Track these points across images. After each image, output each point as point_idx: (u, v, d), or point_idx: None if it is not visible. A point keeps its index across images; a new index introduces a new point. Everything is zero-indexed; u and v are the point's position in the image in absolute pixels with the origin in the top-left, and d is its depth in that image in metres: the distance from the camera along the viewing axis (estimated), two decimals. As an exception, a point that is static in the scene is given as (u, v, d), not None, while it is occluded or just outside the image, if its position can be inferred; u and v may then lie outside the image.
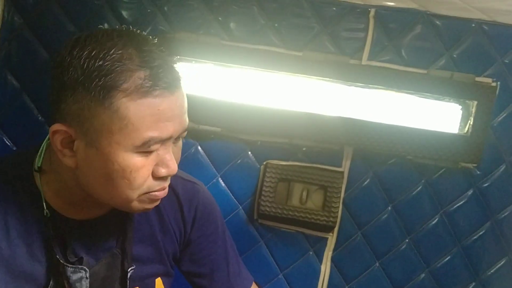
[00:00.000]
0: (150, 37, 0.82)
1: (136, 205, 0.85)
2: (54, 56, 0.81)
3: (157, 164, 0.82)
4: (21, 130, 1.35)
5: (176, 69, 0.82)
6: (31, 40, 1.31)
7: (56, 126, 0.81)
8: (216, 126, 1.35)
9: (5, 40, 1.31)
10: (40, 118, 1.35)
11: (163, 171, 0.83)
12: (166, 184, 0.86)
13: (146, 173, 0.82)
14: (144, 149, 0.79)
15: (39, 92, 1.34)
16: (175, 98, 0.80)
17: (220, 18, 1.33)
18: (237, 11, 1.32)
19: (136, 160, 0.80)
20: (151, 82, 0.76)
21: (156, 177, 0.83)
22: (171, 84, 0.79)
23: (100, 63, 0.75)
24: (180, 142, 0.88)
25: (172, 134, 0.81)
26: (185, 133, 0.86)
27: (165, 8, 1.31)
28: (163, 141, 0.81)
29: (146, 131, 0.78)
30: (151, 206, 0.88)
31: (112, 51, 0.76)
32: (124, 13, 1.31)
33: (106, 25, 1.30)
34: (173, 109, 0.80)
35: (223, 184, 1.41)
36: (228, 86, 1.35)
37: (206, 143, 1.39)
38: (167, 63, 0.80)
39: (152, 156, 0.81)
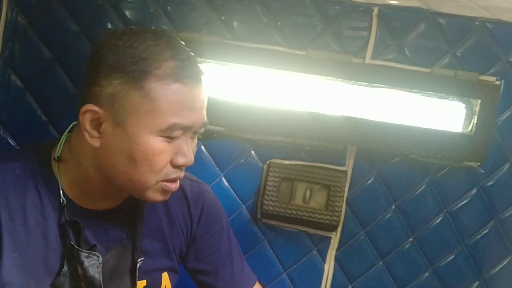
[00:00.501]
0: (175, 35, 0.92)
1: (149, 193, 0.90)
2: (93, 47, 0.89)
3: (176, 153, 0.88)
4: (25, 130, 1.35)
5: (200, 67, 0.90)
6: (35, 40, 1.31)
7: (88, 106, 0.86)
8: (219, 126, 1.35)
9: (9, 40, 1.31)
10: (43, 118, 1.35)
11: (181, 160, 0.88)
12: (182, 174, 0.92)
13: (166, 158, 0.87)
14: (168, 133, 0.85)
15: (43, 92, 1.34)
16: (199, 90, 0.88)
17: (223, 17, 1.32)
18: (240, 10, 1.32)
19: (159, 144, 0.85)
20: (180, 71, 0.84)
21: (174, 165, 0.89)
22: (197, 76, 0.87)
23: (137, 51, 0.83)
24: (196, 139, 0.93)
25: (193, 124, 0.87)
26: (203, 129, 0.92)
27: (168, 8, 1.31)
28: (184, 129, 0.87)
29: (172, 116, 0.84)
30: (162, 197, 0.92)
31: (147, 43, 0.84)
32: (127, 13, 1.31)
33: (109, 25, 1.31)
34: (196, 101, 0.87)
35: (226, 184, 1.41)
36: (231, 85, 1.35)
37: (209, 142, 1.39)
38: (193, 58, 0.89)
39: (173, 144, 0.87)
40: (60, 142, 0.96)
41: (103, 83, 0.85)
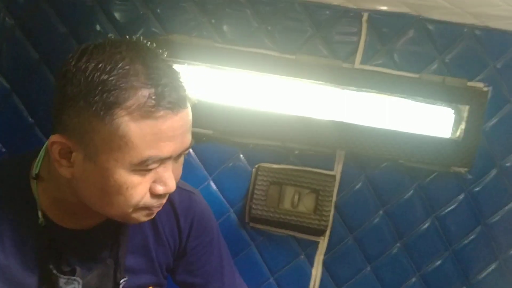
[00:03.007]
0: (160, 51, 0.80)
1: (132, 217, 0.84)
2: (60, 66, 0.79)
3: (154, 181, 0.81)
4: (11, 132, 1.34)
5: (183, 87, 0.80)
6: (22, 41, 1.30)
7: (56, 137, 0.79)
8: (208, 129, 1.35)
9: (-4, 41, 1.30)
10: (30, 119, 1.34)
11: (160, 189, 0.81)
12: (163, 201, 0.85)
13: (143, 190, 0.80)
14: (142, 167, 0.78)
15: (30, 93, 1.33)
16: (179, 118, 0.78)
17: (213, 21, 1.32)
18: (231, 13, 1.32)
19: (133, 178, 0.78)
20: (154, 102, 0.74)
21: (153, 194, 0.82)
22: (176, 104, 0.76)
23: (105, 77, 0.73)
24: (182, 159, 0.86)
25: (171, 154, 0.79)
26: (188, 151, 0.84)
27: (158, 10, 1.31)
28: (162, 160, 0.79)
29: (145, 150, 0.76)
30: (146, 218, 0.87)
31: (118, 66, 0.74)
32: (117, 15, 1.30)
33: (98, 27, 1.30)
34: (175, 129, 0.78)
35: (214, 187, 1.40)
36: (220, 89, 1.34)
37: (198, 145, 1.38)
38: (174, 81, 0.78)
39: (151, 174, 0.80)
40: (38, 158, 0.89)
41: (70, 113, 0.77)
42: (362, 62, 1.34)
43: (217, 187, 1.41)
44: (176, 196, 1.01)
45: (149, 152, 0.76)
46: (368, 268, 1.46)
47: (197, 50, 1.31)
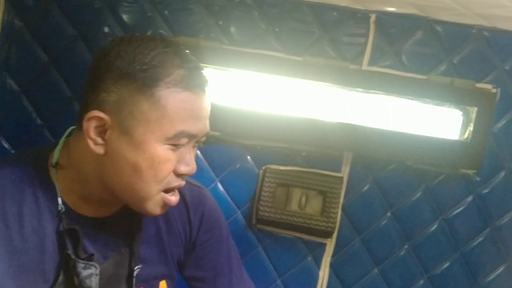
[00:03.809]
0: (182, 45, 0.89)
1: (149, 205, 0.89)
2: (98, 50, 0.88)
3: (179, 162, 0.88)
4: (20, 133, 1.35)
5: (206, 75, 0.90)
6: (31, 43, 1.31)
7: (94, 113, 0.84)
8: (216, 130, 1.35)
9: (5, 43, 1.31)
10: (38, 121, 1.35)
11: (184, 169, 0.88)
12: (183, 183, 0.91)
13: (170, 167, 0.87)
14: (174, 141, 0.85)
15: (38, 95, 1.34)
16: (205, 98, 0.88)
17: (220, 23, 1.33)
18: (238, 15, 1.32)
19: (165, 153, 0.85)
20: (189, 79, 0.84)
21: (177, 173, 0.88)
22: (204, 85, 0.88)
23: (147, 58, 0.83)
24: (196, 148, 0.93)
25: (198, 132, 0.87)
26: (204, 138, 0.92)
27: (166, 12, 1.31)
28: (190, 137, 0.87)
29: (179, 124, 0.84)
30: (161, 211, 0.91)
31: (157, 49, 0.84)
32: (125, 17, 1.31)
33: (106, 29, 1.30)
34: (203, 109, 0.88)
35: (221, 189, 1.41)
36: (228, 91, 1.35)
37: (205, 147, 1.38)
38: (200, 67, 0.89)
39: (177, 152, 0.87)
40: (57, 147, 0.94)
41: (111, 89, 0.84)
42: (369, 64, 1.34)
43: (225, 188, 1.41)
44: (187, 190, 1.05)
45: (182, 126, 0.84)
46: (376, 270, 1.46)
47: (205, 52, 1.31)
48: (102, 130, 0.85)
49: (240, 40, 1.33)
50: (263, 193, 1.38)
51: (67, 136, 0.95)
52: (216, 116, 1.32)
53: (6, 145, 1.35)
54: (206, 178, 1.39)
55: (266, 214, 1.38)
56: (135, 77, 0.82)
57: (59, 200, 0.91)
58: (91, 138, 0.86)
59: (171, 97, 0.83)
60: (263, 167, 1.40)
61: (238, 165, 1.40)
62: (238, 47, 1.33)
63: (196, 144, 0.92)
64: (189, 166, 0.89)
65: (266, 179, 1.38)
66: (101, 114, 0.84)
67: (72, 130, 0.94)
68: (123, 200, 0.92)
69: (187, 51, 0.89)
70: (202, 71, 0.88)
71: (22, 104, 1.34)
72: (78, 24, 1.31)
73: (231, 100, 1.34)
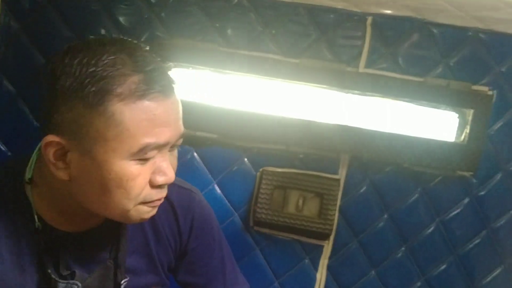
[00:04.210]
0: (141, 44, 0.82)
1: (133, 214, 0.83)
2: (46, 66, 0.80)
3: (153, 172, 0.81)
4: (16, 136, 1.34)
5: (171, 74, 0.81)
6: (28, 45, 1.31)
7: (49, 138, 0.78)
8: (213, 133, 1.35)
9: (1, 45, 1.30)
10: (35, 123, 1.34)
11: (160, 179, 0.81)
12: (164, 193, 0.85)
13: (143, 181, 0.80)
14: (141, 156, 0.78)
15: (35, 97, 1.33)
16: (171, 102, 0.79)
17: (217, 25, 1.33)
18: (235, 18, 1.32)
19: (132, 168, 0.78)
20: (145, 86, 0.75)
21: (153, 185, 0.82)
22: (166, 87, 0.78)
23: (93, 69, 0.74)
24: (176, 151, 0.86)
25: (169, 140, 0.80)
26: (181, 140, 0.85)
27: (163, 14, 1.31)
28: (160, 147, 0.79)
29: (143, 137, 0.76)
30: (148, 215, 0.86)
31: (104, 57, 0.75)
32: (121, 19, 1.31)
33: (103, 31, 1.30)
34: (169, 114, 0.79)
35: (219, 191, 1.40)
36: (225, 93, 1.34)
37: (202, 149, 1.38)
38: (161, 67, 0.79)
39: (149, 164, 0.80)
40: (30, 162, 0.88)
41: (62, 110, 0.76)
42: (366, 66, 1.34)
43: (222, 191, 1.41)
44: (175, 195, 1.00)
45: (146, 139, 0.76)
46: (373, 272, 1.46)
47: (201, 54, 1.31)
48: (62, 153, 0.79)
49: (237, 42, 1.33)
50: (260, 195, 1.38)
51: (40, 149, 0.87)
52: (213, 118, 1.34)
53: (2, 147, 1.34)
54: (203, 180, 1.39)
55: (264, 216, 1.38)
56: (84, 93, 0.74)
57: (36, 218, 0.86)
58: (51, 163, 0.80)
59: (126, 110, 0.74)
60: (260, 169, 1.40)
61: (235, 167, 1.40)
62: (234, 49, 1.33)
63: (173, 148, 0.85)
64: (166, 176, 0.81)
65: (263, 181, 1.38)
66: (57, 139, 0.77)
67: None
68: (100, 215, 0.88)
69: (147, 49, 0.81)
70: (164, 72, 0.79)
71: (18, 106, 1.33)
72: (75, 26, 1.30)
73: (228, 102, 1.34)
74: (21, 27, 1.30)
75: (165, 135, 0.78)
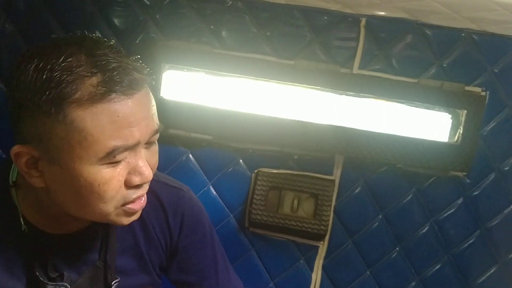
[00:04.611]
0: (105, 40, 0.78)
1: (113, 218, 0.81)
2: (7, 78, 0.79)
3: (129, 173, 0.78)
4: (11, 137, 1.34)
5: (137, 68, 0.76)
6: (22, 47, 1.30)
7: (17, 148, 0.76)
8: (208, 134, 1.35)
9: (-4, 47, 1.30)
10: (30, 125, 1.34)
11: (136, 179, 0.78)
12: (143, 192, 0.82)
13: (116, 184, 0.77)
14: (110, 160, 0.75)
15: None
16: (136, 101, 0.75)
17: (212, 27, 1.33)
18: (229, 19, 1.32)
19: (103, 173, 0.75)
20: (105, 88, 0.71)
21: (130, 186, 0.79)
22: (128, 87, 0.73)
23: (48, 75, 0.70)
24: (155, 146, 0.83)
25: (139, 140, 0.76)
26: (157, 136, 0.81)
27: (157, 16, 1.31)
28: (130, 148, 0.76)
29: (108, 141, 0.73)
30: (128, 219, 0.83)
31: (60, 60, 0.71)
32: (116, 21, 1.31)
33: (97, 33, 1.30)
34: (135, 113, 0.75)
35: (214, 192, 1.41)
36: (219, 94, 1.35)
37: (197, 151, 1.39)
38: (123, 65, 0.74)
39: (122, 165, 0.77)
40: (13, 166, 0.87)
41: (25, 120, 0.74)
42: (360, 67, 1.35)
43: (217, 192, 1.41)
44: (164, 194, 0.99)
45: (113, 142, 0.73)
46: (368, 273, 1.46)
47: (196, 55, 1.31)
48: (33, 161, 0.77)
49: (232, 44, 1.34)
50: (255, 196, 1.39)
51: None
52: (207, 120, 1.34)
53: (-2, 150, 1.35)
54: (198, 182, 1.39)
55: (259, 217, 1.39)
56: (40, 101, 0.71)
57: (22, 221, 0.85)
58: (25, 172, 0.78)
59: (87, 115, 0.71)
60: (255, 171, 1.40)
61: (230, 169, 1.40)
62: (229, 51, 1.33)
63: (149, 145, 0.81)
64: (142, 175, 0.78)
65: (258, 183, 1.38)
66: (25, 149, 0.76)
67: None
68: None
69: (110, 44, 0.76)
70: (128, 70, 0.74)
71: (13, 108, 1.33)
72: (70, 28, 1.30)
73: (222, 103, 1.34)
74: (16, 29, 1.30)
75: (133, 136, 0.75)
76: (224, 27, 1.33)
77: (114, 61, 0.73)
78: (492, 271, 1.46)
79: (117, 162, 0.76)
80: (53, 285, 0.87)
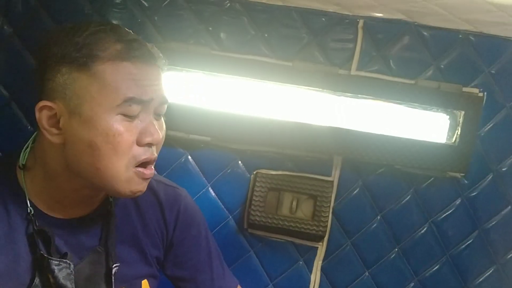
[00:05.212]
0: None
1: (123, 184, 0.87)
2: (38, 44, 0.89)
3: (141, 132, 0.86)
4: (10, 140, 1.34)
5: (154, 48, 0.89)
6: (20, 49, 1.30)
7: (42, 103, 0.86)
8: (206, 136, 1.35)
9: (-6, 49, 1.30)
10: (29, 127, 1.34)
11: (147, 139, 0.86)
12: (152, 155, 0.89)
13: (129, 138, 0.85)
14: (125, 109, 0.84)
15: (29, 101, 1.32)
16: (151, 70, 0.87)
17: (210, 28, 1.33)
18: (227, 21, 1.33)
19: (119, 125, 0.84)
20: (127, 52, 0.84)
21: (141, 144, 0.86)
22: (147, 56, 0.86)
23: (79, 38, 0.83)
24: (162, 121, 0.92)
25: (152, 97, 0.86)
26: (165, 107, 0.90)
27: (156, 18, 1.32)
28: (143, 103, 0.85)
29: (126, 90, 0.83)
30: (136, 188, 0.89)
31: (90, 28, 0.84)
32: (114, 23, 1.31)
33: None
34: (150, 78, 0.86)
35: (213, 194, 1.41)
36: (218, 96, 1.35)
37: (196, 152, 1.39)
38: (141, 41, 0.88)
39: (135, 123, 0.85)
40: (24, 149, 0.94)
41: (52, 75, 0.85)
42: (358, 69, 1.36)
43: (216, 193, 1.41)
44: (161, 191, 1.06)
45: (129, 93, 0.83)
46: (366, 274, 1.46)
47: (194, 57, 1.31)
48: (55, 120, 0.86)
49: (230, 45, 1.34)
50: (254, 197, 1.39)
51: (34, 142, 0.95)
52: (206, 121, 1.34)
53: (-5, 152, 1.34)
54: (197, 183, 1.39)
55: (258, 219, 1.39)
56: (71, 58, 0.83)
57: (28, 203, 0.91)
58: (46, 129, 0.86)
59: (109, 69, 0.83)
60: (254, 172, 1.40)
61: (229, 170, 1.40)
62: (227, 53, 1.34)
63: (159, 117, 0.90)
64: (153, 136, 0.86)
65: (257, 184, 1.39)
66: (49, 103, 0.85)
67: (36, 134, 0.95)
68: (96, 185, 0.90)
69: (126, 29, 0.89)
70: (143, 44, 0.87)
71: (12, 110, 1.33)
72: (68, 31, 1.31)
73: (221, 105, 1.35)
74: (13, 31, 1.30)
75: (145, 92, 0.85)
76: (222, 28, 1.33)
77: (133, 36, 0.88)
78: (490, 271, 1.47)
79: (131, 118, 0.85)
80: (57, 261, 0.91)
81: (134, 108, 0.84)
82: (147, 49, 0.87)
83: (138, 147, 0.86)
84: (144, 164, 0.88)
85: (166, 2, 1.31)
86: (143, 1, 1.31)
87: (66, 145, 0.86)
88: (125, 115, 0.84)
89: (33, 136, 0.96)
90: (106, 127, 0.83)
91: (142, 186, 0.90)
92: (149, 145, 0.87)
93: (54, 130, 0.86)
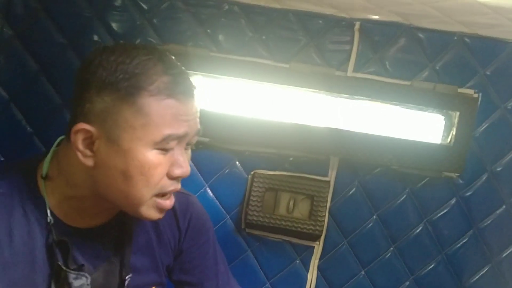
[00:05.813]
0: (167, 52, 0.90)
1: (144, 210, 0.89)
2: (82, 62, 0.88)
3: (171, 165, 0.87)
4: (10, 141, 1.35)
5: (191, 80, 0.90)
6: (21, 51, 1.31)
7: (80, 125, 0.85)
8: (204, 136, 1.37)
9: (-5, 51, 1.31)
10: (28, 129, 1.35)
11: (177, 171, 0.87)
12: (178, 186, 0.91)
13: (162, 171, 0.86)
14: (163, 145, 0.85)
15: (28, 103, 1.34)
16: (192, 103, 0.88)
17: (208, 31, 1.34)
18: (226, 23, 1.34)
19: (154, 157, 0.85)
20: (173, 86, 0.84)
21: (170, 177, 0.88)
22: (190, 90, 0.87)
23: (129, 66, 0.83)
24: (190, 150, 0.93)
25: (188, 132, 0.87)
26: (196, 138, 0.92)
27: (155, 20, 1.33)
28: (179, 138, 0.86)
29: (166, 128, 0.84)
30: (157, 215, 0.91)
31: (137, 58, 0.84)
32: (114, 25, 1.32)
33: (95, 37, 1.32)
34: (190, 113, 0.87)
35: (211, 194, 1.42)
36: (216, 97, 1.36)
37: (194, 153, 1.37)
38: (185, 73, 0.89)
39: (168, 156, 0.86)
40: (46, 158, 0.93)
41: (94, 99, 0.84)
42: (354, 70, 1.37)
43: (214, 194, 1.42)
44: (176, 199, 1.03)
45: (169, 130, 0.84)
46: (362, 272, 1.48)
47: (193, 59, 1.32)
48: (90, 142, 0.86)
49: (228, 47, 1.35)
50: (251, 197, 1.40)
51: (57, 146, 0.95)
52: (204, 122, 1.33)
53: (-4, 153, 1.36)
54: (195, 183, 1.40)
55: (255, 219, 1.40)
56: (118, 86, 0.82)
57: (48, 213, 0.91)
58: (79, 151, 0.86)
59: (154, 104, 0.83)
60: (252, 172, 1.42)
61: (227, 171, 1.42)
62: (226, 55, 1.35)
63: (188, 146, 0.92)
64: (183, 168, 0.88)
65: (255, 184, 1.40)
66: (87, 126, 0.84)
67: (62, 139, 0.94)
68: (116, 206, 0.92)
69: (173, 57, 0.89)
70: (187, 77, 0.88)
71: (12, 112, 1.34)
72: (68, 33, 1.32)
73: (219, 106, 1.36)
74: (14, 33, 1.31)
75: (184, 128, 0.86)
76: (220, 31, 1.35)
77: (179, 68, 0.88)
78: (485, 270, 1.48)
79: (166, 151, 0.86)
80: (75, 273, 0.91)
81: (171, 144, 0.86)
82: (190, 83, 0.88)
83: (166, 179, 0.88)
84: (166, 193, 0.90)
85: (165, 4, 1.32)
86: (142, 4, 1.32)
87: (97, 168, 0.86)
88: (161, 149, 0.85)
89: (56, 143, 0.95)
90: (143, 160, 0.84)
91: (160, 215, 0.92)
92: (178, 178, 0.89)
93: (88, 152, 0.86)
